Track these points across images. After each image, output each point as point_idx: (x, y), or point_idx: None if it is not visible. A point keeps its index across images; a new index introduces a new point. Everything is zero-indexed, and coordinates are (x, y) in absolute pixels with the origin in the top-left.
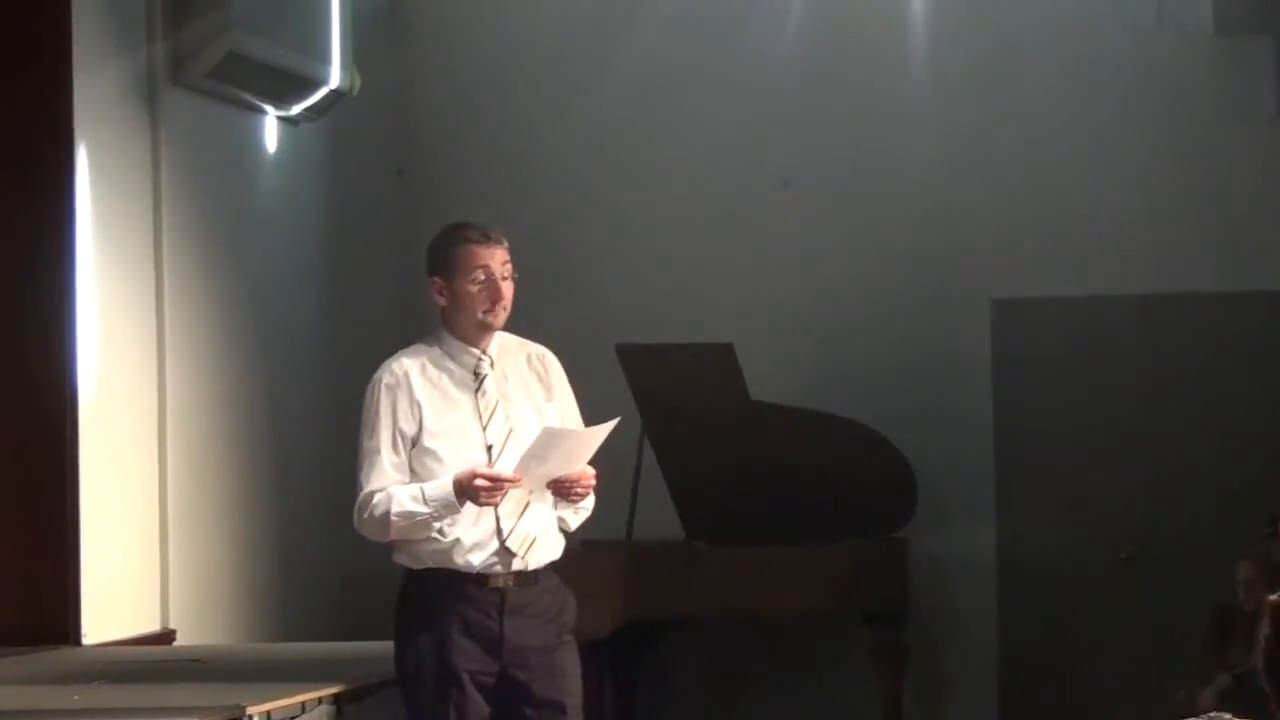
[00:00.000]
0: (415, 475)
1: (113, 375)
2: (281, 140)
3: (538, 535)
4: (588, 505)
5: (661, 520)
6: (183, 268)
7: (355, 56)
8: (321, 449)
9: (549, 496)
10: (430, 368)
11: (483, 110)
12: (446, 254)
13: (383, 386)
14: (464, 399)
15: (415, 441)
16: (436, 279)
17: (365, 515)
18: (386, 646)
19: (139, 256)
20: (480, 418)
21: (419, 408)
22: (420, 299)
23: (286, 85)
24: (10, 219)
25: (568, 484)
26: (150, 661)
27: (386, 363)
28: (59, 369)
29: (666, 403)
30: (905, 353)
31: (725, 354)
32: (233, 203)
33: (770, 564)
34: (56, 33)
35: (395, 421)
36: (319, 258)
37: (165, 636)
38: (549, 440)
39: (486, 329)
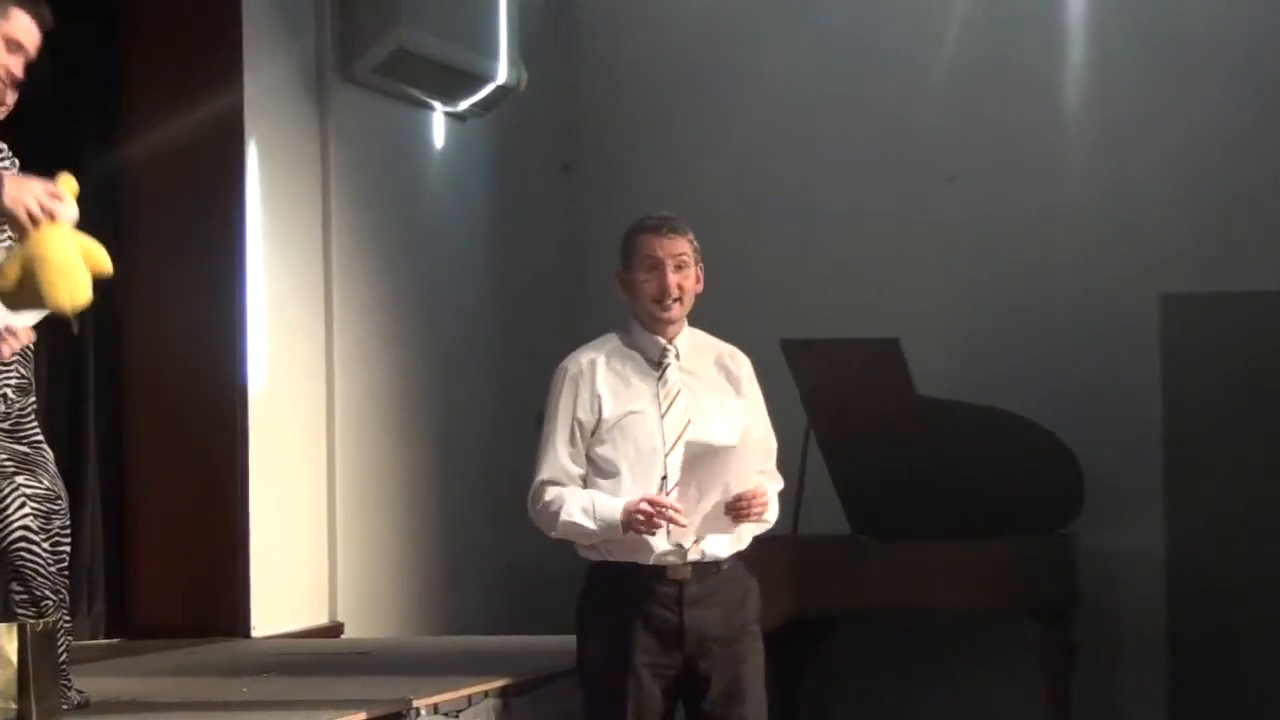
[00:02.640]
0: (591, 463)
1: (282, 369)
2: (449, 136)
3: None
4: (770, 517)
5: (827, 515)
6: (351, 262)
7: (522, 52)
8: (488, 442)
9: (724, 522)
10: (615, 358)
11: (648, 105)
12: (625, 244)
13: (566, 376)
14: (644, 387)
15: (594, 431)
16: (619, 270)
17: (538, 506)
18: (553, 640)
19: (308, 251)
20: (659, 405)
21: (599, 399)
22: (587, 293)
23: (454, 81)
24: (182, 214)
25: (743, 506)
26: (318, 654)
27: (575, 352)
28: (229, 363)
29: (832, 398)
30: (1072, 348)
31: (891, 349)
32: (400, 198)
33: (936, 559)
34: (227, 30)
35: (574, 411)
36: (485, 252)
37: (333, 629)
38: (695, 460)
39: (660, 320)
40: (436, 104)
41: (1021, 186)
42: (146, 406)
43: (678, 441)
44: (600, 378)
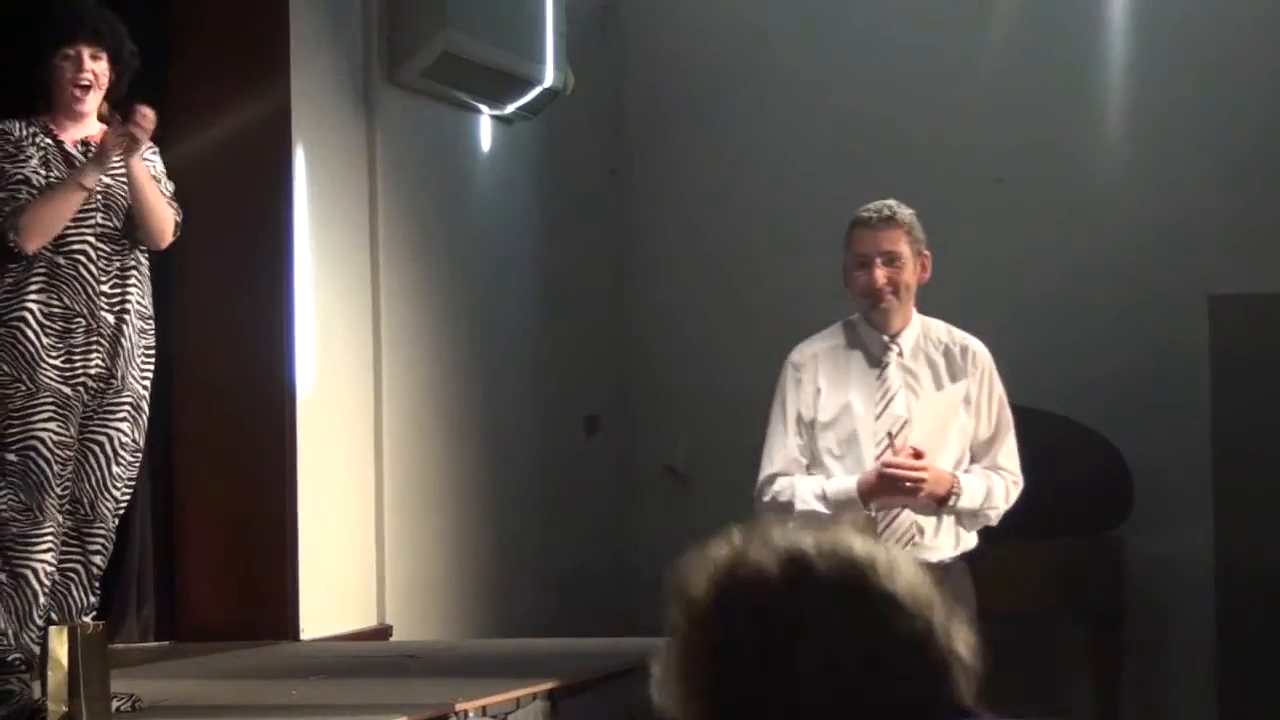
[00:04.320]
0: (813, 458)
1: (330, 372)
2: (496, 139)
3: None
4: (990, 506)
5: None
6: (398, 265)
7: (569, 55)
8: (536, 443)
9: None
10: (840, 351)
11: (696, 109)
12: (845, 236)
13: (790, 366)
14: (864, 384)
15: (814, 425)
16: (843, 261)
17: (766, 499)
18: (602, 642)
19: (355, 254)
20: (876, 405)
21: (819, 392)
22: (635, 296)
23: (501, 84)
24: (231, 218)
25: (893, 468)
26: (366, 657)
27: (802, 343)
28: (277, 366)
29: None
30: (1121, 349)
31: None
32: (447, 201)
33: (983, 562)
34: (273, 34)
35: (797, 405)
36: (533, 255)
37: (382, 632)
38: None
39: (874, 314)
40: (483, 107)
41: (1069, 187)
42: (195, 409)
43: (890, 443)
44: (821, 371)
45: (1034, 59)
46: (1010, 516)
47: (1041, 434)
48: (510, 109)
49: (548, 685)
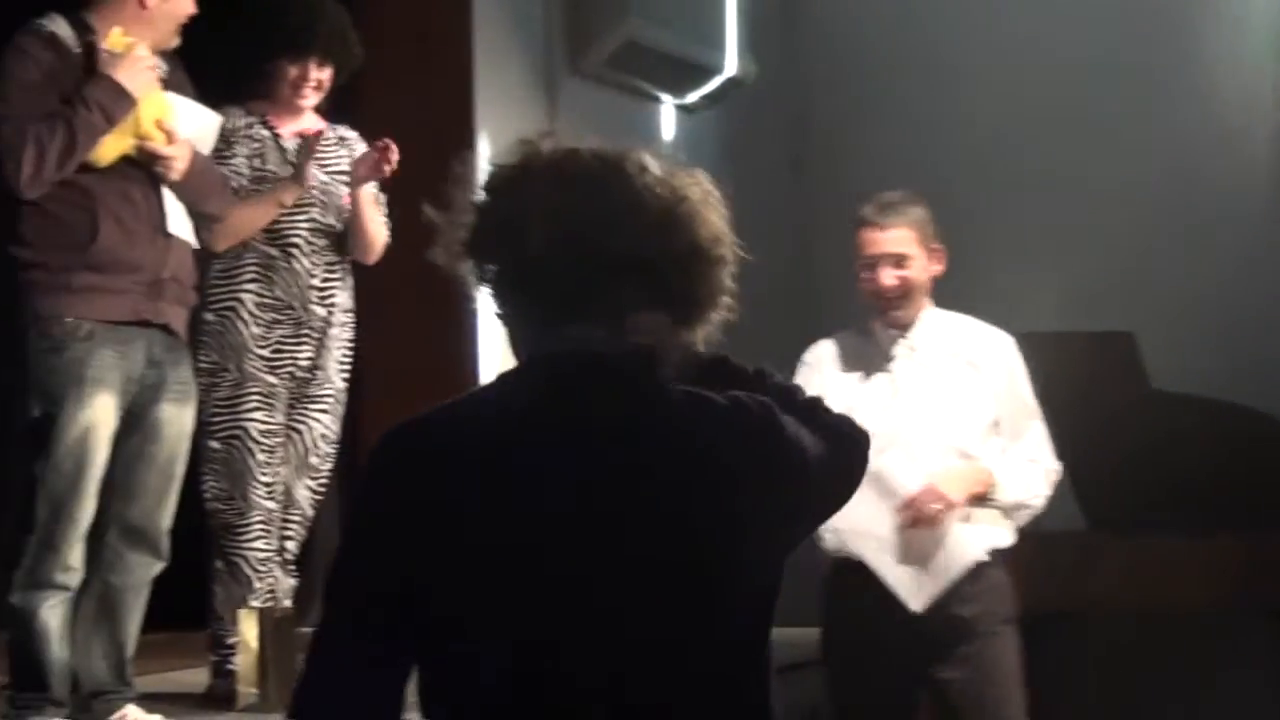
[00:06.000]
0: None
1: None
2: (678, 128)
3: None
4: (1034, 495)
5: (1063, 510)
6: None
7: (751, 44)
8: None
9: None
10: (850, 348)
11: (880, 102)
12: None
13: (802, 365)
14: (873, 379)
15: None
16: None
17: None
18: None
19: None
20: (886, 401)
21: (823, 390)
22: (818, 293)
23: (683, 73)
24: (419, 211)
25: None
26: None
27: (817, 342)
28: (462, 360)
29: (1067, 391)
30: None
31: (1126, 342)
32: None
33: (1172, 556)
34: (458, 28)
35: None
36: None
37: None
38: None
39: (883, 314)
40: (665, 96)
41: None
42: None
43: (901, 440)
44: (829, 369)
45: None
46: (1200, 510)
47: (1229, 427)
48: (692, 98)
49: None
